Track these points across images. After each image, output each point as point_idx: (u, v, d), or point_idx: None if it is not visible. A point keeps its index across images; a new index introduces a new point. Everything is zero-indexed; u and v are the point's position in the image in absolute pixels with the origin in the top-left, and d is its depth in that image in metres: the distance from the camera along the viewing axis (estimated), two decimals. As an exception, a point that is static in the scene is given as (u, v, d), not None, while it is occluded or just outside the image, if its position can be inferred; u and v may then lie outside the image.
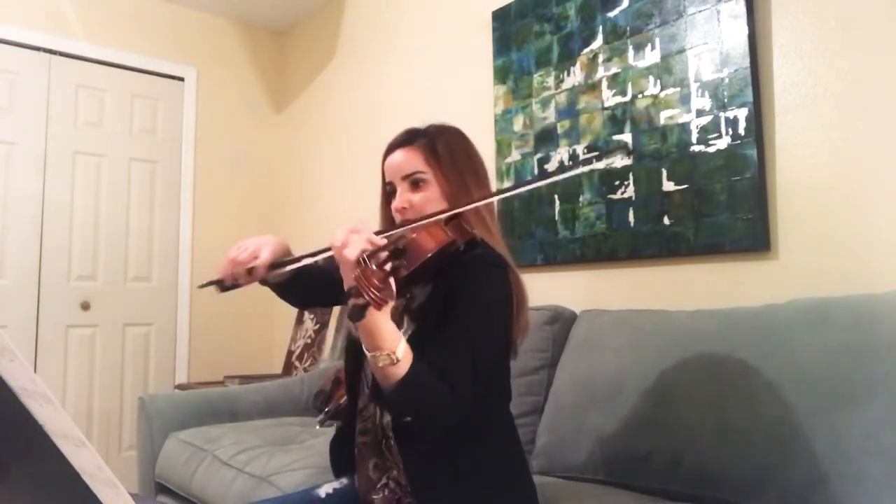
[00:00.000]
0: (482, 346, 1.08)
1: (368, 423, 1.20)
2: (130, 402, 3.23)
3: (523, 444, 1.31)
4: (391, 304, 0.92)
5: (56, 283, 3.12)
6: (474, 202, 1.16)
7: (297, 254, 1.20)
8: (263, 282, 1.23)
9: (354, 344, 1.27)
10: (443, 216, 1.08)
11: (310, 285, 1.33)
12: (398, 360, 0.98)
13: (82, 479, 0.45)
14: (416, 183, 1.18)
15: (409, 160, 1.19)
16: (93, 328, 3.22)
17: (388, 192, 1.23)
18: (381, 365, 0.98)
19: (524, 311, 1.16)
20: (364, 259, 0.92)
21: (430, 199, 1.17)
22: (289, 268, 1.14)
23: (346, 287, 0.94)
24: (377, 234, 1.01)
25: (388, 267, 0.91)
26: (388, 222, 1.24)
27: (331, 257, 1.04)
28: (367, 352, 0.99)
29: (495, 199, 1.17)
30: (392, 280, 0.91)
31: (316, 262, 1.14)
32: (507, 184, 2.33)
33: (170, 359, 3.43)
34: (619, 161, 1.09)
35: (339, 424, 1.46)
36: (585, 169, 1.15)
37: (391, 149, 1.23)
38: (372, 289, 0.85)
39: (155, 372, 3.38)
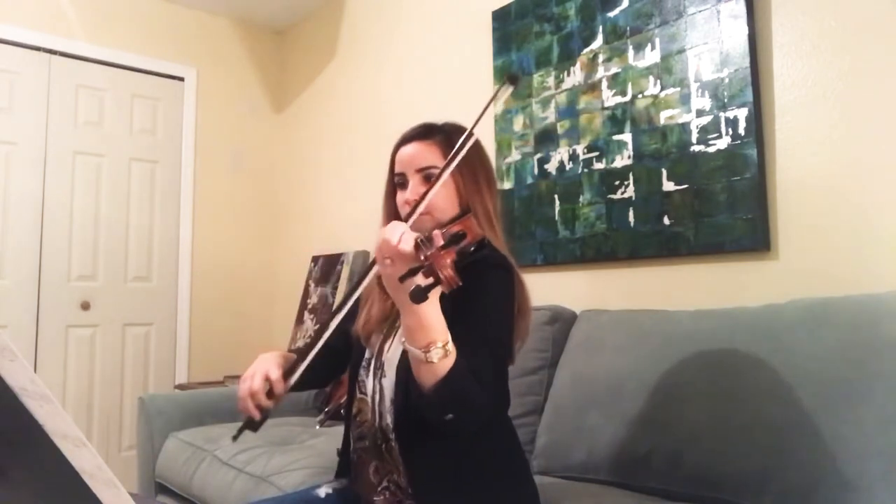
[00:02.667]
0: (499, 346, 1.08)
1: (365, 427, 1.19)
2: (130, 402, 3.23)
3: (523, 444, 1.31)
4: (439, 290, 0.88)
5: (56, 283, 3.12)
6: (484, 201, 1.16)
7: (296, 345, 1.16)
8: (290, 390, 1.18)
9: (356, 350, 1.27)
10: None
11: (325, 364, 1.28)
12: (450, 352, 0.94)
13: (82, 479, 0.45)
14: (429, 177, 1.16)
15: (424, 153, 1.18)
16: (93, 328, 3.22)
17: (397, 184, 1.22)
18: (435, 360, 0.93)
19: (527, 316, 1.16)
20: (423, 241, 0.89)
21: (442, 196, 1.15)
22: (303, 365, 1.10)
23: (397, 276, 0.88)
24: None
25: (452, 249, 0.87)
26: (392, 214, 1.22)
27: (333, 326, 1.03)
28: (416, 349, 0.94)
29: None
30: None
31: (324, 346, 1.10)
32: (507, 184, 2.33)
33: (170, 359, 3.43)
34: (504, 90, 1.08)
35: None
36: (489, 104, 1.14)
37: (406, 140, 1.22)
38: (447, 268, 0.82)
39: (155, 372, 3.38)
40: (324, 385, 1.38)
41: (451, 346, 0.95)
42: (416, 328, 0.94)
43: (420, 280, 0.84)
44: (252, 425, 1.11)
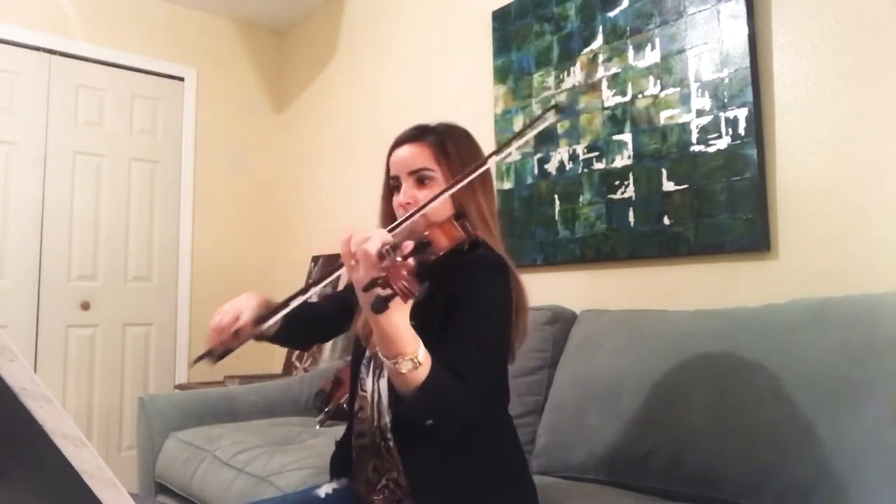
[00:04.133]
0: (490, 346, 1.08)
1: (365, 425, 1.20)
2: (130, 402, 3.23)
3: (523, 445, 1.31)
4: (410, 301, 0.89)
5: (56, 283, 3.12)
6: (478, 201, 1.16)
7: (281, 298, 1.18)
8: (259, 337, 1.21)
9: (355, 350, 1.27)
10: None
11: (306, 325, 1.32)
12: (420, 364, 0.95)
13: (82, 479, 0.45)
14: (422, 179, 1.17)
15: (417, 156, 1.18)
16: (93, 328, 3.22)
17: (392, 186, 1.22)
18: (404, 371, 0.94)
19: (524, 314, 1.16)
20: (387, 251, 0.89)
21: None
22: (277, 316, 1.11)
23: (362, 283, 0.90)
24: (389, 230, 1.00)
25: (413, 260, 0.88)
26: (389, 216, 1.24)
27: (327, 284, 1.03)
28: (386, 360, 0.95)
29: (485, 166, 1.11)
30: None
31: (305, 300, 1.11)
32: (507, 184, 2.33)
33: (170, 359, 3.43)
34: (552, 117, 1.08)
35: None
36: (532, 132, 1.13)
37: (399, 143, 1.22)
38: (402, 280, 0.83)
39: (155, 372, 3.38)
40: (305, 346, 1.39)
41: (421, 358, 0.95)
42: (383, 339, 0.94)
43: (380, 290, 0.85)
44: (211, 357, 1.15)
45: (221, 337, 1.14)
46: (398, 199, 1.19)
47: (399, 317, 0.93)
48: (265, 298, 1.21)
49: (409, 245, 0.89)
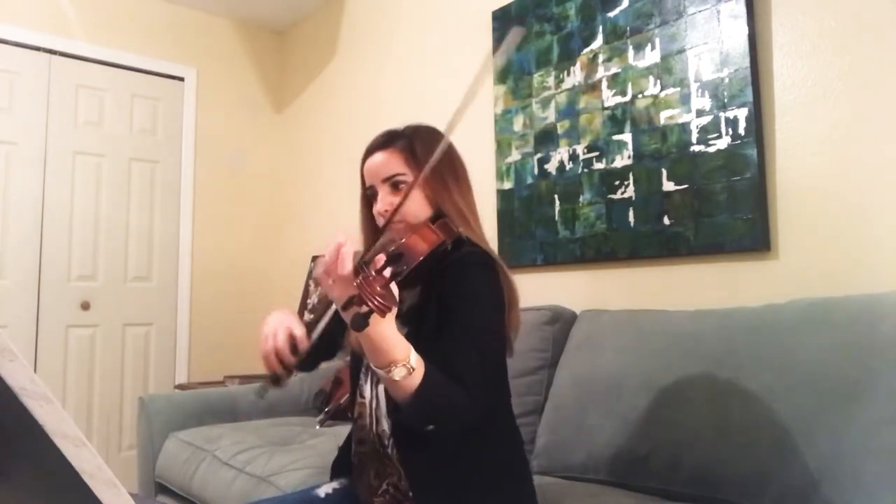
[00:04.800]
0: (486, 342, 1.08)
1: (364, 432, 1.19)
2: (130, 402, 3.23)
3: (524, 444, 1.31)
4: (394, 311, 0.89)
5: (56, 283, 3.12)
6: (454, 199, 1.16)
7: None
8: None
9: (354, 357, 1.27)
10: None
11: (335, 334, 1.28)
12: (414, 370, 0.94)
13: (82, 479, 0.45)
14: (396, 185, 1.16)
15: (388, 162, 1.17)
16: (93, 328, 3.22)
17: (369, 196, 1.21)
18: (397, 378, 0.94)
19: (515, 306, 1.15)
20: (362, 267, 0.90)
21: (413, 200, 1.15)
22: (321, 325, 1.09)
23: (339, 303, 0.91)
24: (363, 253, 1.00)
25: (387, 272, 0.89)
26: (369, 224, 1.23)
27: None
28: (378, 370, 0.95)
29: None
30: (393, 285, 0.89)
31: (335, 310, 1.08)
32: (507, 184, 2.33)
33: (170, 359, 3.43)
34: (514, 36, 1.05)
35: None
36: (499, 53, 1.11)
37: (370, 151, 1.21)
38: (376, 296, 0.83)
39: (155, 372, 3.38)
40: (333, 355, 1.36)
41: (413, 363, 0.94)
42: (372, 351, 0.94)
43: (357, 308, 0.85)
44: (277, 382, 1.10)
45: (281, 357, 1.09)
46: (376, 207, 1.18)
47: (383, 327, 0.93)
48: (290, 311, 1.20)
49: (381, 258, 0.90)
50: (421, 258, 0.98)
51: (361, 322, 0.84)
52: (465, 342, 1.04)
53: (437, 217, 1.14)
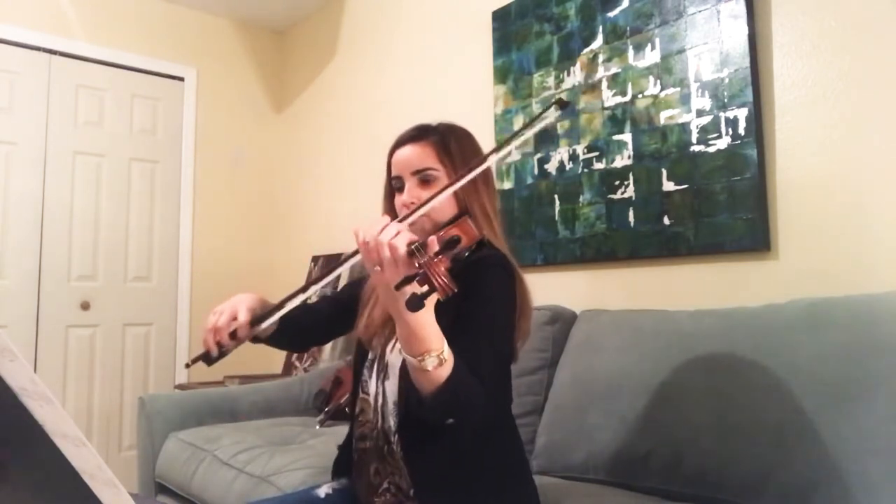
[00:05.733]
0: (501, 343, 1.08)
1: (366, 428, 1.19)
2: (130, 402, 3.24)
3: (524, 444, 1.31)
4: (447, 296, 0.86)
5: (56, 283, 3.12)
6: (482, 201, 1.16)
7: (276, 300, 1.16)
8: (255, 339, 1.20)
9: (360, 350, 1.27)
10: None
11: (302, 328, 1.31)
12: (445, 360, 0.93)
13: (82, 479, 0.45)
14: (426, 179, 1.16)
15: (420, 155, 1.17)
16: (93, 328, 3.22)
17: (395, 187, 1.21)
18: (430, 368, 0.92)
19: (528, 315, 1.16)
20: (417, 248, 0.87)
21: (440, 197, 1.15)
22: (275, 316, 1.09)
23: (393, 281, 0.86)
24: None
25: (446, 255, 0.85)
26: (391, 215, 1.23)
27: (324, 284, 1.01)
28: (411, 357, 0.93)
29: (490, 160, 1.08)
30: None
31: (303, 300, 1.09)
32: (507, 184, 2.33)
33: (170, 359, 3.43)
34: (555, 113, 1.05)
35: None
36: (536, 128, 1.10)
37: (401, 143, 1.21)
38: (442, 276, 0.80)
39: (155, 372, 3.38)
40: (302, 348, 1.37)
41: (446, 354, 0.93)
42: (410, 337, 0.92)
43: (416, 288, 0.82)
44: (207, 359, 1.13)
45: (218, 338, 1.12)
46: (401, 199, 1.18)
47: (429, 314, 0.92)
48: (261, 298, 1.20)
49: (435, 242, 0.88)
50: (468, 249, 0.95)
51: (418, 302, 0.82)
52: (483, 340, 1.04)
53: (459, 216, 1.14)
